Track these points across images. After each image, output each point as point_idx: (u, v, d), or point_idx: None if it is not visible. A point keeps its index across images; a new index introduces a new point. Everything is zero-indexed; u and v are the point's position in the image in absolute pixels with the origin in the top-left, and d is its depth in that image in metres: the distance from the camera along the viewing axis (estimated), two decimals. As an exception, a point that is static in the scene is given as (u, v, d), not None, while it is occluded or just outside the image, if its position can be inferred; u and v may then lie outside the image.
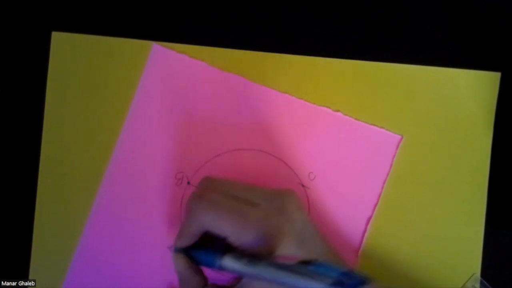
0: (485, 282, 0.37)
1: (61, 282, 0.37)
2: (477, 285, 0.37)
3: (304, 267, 0.26)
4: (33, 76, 0.38)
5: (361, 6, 0.39)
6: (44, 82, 0.38)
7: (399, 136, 0.38)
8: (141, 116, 0.38)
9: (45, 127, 0.38)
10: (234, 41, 0.38)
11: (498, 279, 0.37)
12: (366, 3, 0.39)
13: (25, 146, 0.38)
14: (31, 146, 0.38)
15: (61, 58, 0.38)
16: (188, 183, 0.37)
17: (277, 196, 0.31)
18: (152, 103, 0.38)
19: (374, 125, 0.38)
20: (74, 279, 0.37)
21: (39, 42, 0.38)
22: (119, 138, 0.38)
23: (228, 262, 0.28)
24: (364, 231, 0.37)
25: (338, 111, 0.38)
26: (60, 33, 0.38)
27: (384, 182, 0.38)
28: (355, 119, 0.38)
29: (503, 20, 0.39)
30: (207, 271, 0.31)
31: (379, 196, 0.37)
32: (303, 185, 0.38)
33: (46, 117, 0.38)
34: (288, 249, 0.29)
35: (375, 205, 0.37)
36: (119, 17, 0.39)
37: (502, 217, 0.37)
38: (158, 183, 0.37)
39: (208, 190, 0.31)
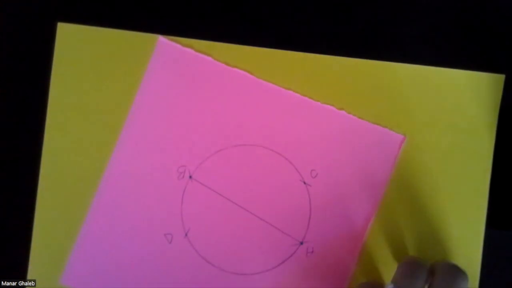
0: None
1: (61, 282, 0.37)
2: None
3: None
4: (38, 67, 0.38)
5: (362, 6, 0.39)
6: (48, 73, 0.38)
7: (402, 136, 0.38)
8: (145, 109, 0.38)
9: (48, 118, 0.38)
10: (240, 36, 0.38)
11: (498, 279, 0.37)
12: (367, 3, 0.39)
13: (28, 140, 0.38)
14: (34, 140, 0.38)
15: (66, 49, 0.38)
16: (190, 177, 0.37)
17: None
18: (157, 96, 0.38)
19: (378, 124, 0.38)
20: (71, 275, 0.37)
21: (45, 32, 0.38)
22: (122, 130, 0.38)
23: None
24: (365, 229, 0.37)
25: (342, 109, 0.38)
26: (66, 24, 0.38)
27: (386, 181, 0.38)
28: (359, 117, 0.38)
29: (508, 21, 0.39)
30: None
31: (381, 195, 0.37)
32: (304, 182, 0.38)
33: (49, 109, 0.38)
34: None
35: (377, 204, 0.37)
36: (125, 9, 0.39)
37: (502, 217, 0.37)
38: (160, 176, 0.37)
39: None
